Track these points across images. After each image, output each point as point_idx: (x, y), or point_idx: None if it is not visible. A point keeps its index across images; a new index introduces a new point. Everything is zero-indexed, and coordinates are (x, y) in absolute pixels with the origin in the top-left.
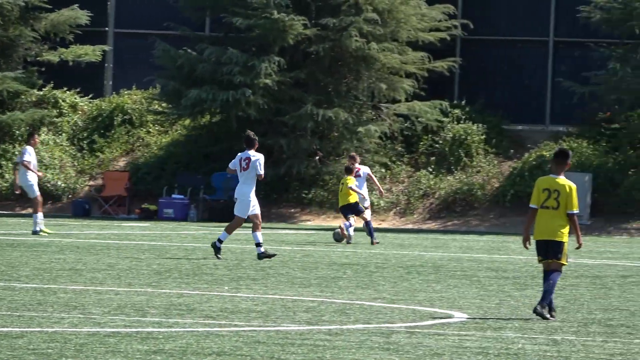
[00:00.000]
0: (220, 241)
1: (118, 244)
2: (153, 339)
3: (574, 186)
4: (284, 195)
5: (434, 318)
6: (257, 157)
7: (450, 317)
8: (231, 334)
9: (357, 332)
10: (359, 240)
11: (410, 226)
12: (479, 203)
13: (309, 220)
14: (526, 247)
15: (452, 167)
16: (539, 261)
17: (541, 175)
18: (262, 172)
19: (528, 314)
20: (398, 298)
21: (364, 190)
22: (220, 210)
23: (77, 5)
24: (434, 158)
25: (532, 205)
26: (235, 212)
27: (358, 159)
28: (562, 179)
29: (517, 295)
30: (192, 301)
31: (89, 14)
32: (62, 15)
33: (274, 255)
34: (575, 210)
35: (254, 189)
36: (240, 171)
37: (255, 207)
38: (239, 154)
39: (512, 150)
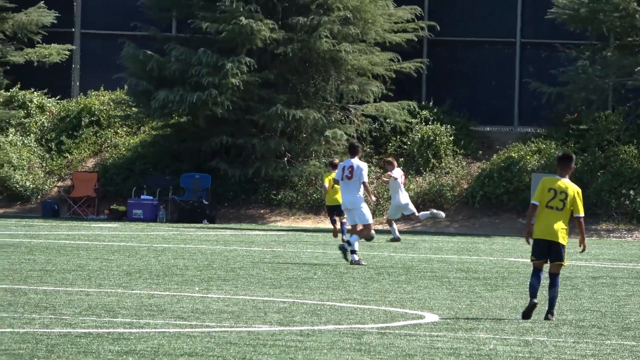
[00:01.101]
0: (353, 252)
1: (88, 245)
2: (124, 340)
3: (579, 190)
4: (252, 196)
5: (405, 319)
6: (362, 166)
7: (421, 318)
8: (203, 335)
9: (329, 333)
10: (328, 241)
11: (379, 227)
12: (448, 204)
13: (278, 221)
14: (528, 243)
15: (420, 169)
16: (532, 260)
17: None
18: (366, 179)
19: (499, 315)
20: (369, 299)
21: (404, 194)
22: (190, 211)
23: (42, 2)
24: (402, 159)
25: (534, 201)
26: (358, 222)
27: (395, 163)
28: (568, 182)
29: (487, 296)
30: (163, 302)
31: (56, 14)
32: (28, 16)
33: (361, 264)
34: (582, 214)
35: (362, 195)
36: (342, 179)
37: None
38: (341, 163)
39: (480, 152)
